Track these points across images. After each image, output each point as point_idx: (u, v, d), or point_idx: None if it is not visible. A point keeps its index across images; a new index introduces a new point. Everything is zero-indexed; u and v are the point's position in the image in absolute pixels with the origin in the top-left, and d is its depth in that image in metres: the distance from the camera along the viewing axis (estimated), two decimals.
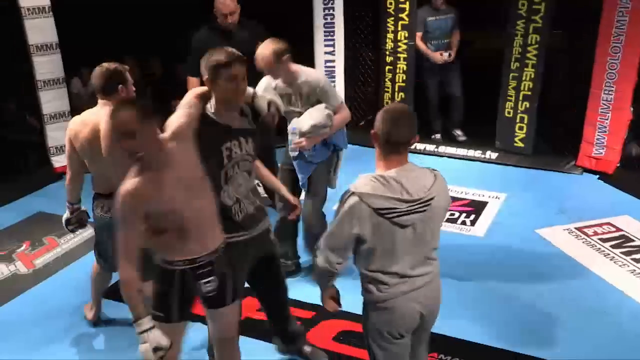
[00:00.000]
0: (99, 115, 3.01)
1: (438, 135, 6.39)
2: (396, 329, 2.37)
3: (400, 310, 2.34)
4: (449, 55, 5.97)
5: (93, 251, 3.49)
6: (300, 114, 3.62)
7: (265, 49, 3.45)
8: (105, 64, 3.16)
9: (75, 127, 3.10)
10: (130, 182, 2.24)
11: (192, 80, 4.42)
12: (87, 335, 3.55)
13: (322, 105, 3.57)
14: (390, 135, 2.25)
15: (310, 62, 5.92)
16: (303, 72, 3.62)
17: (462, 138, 6.33)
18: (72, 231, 3.54)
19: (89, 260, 4.05)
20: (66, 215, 3.40)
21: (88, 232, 4.53)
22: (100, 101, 3.10)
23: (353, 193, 2.23)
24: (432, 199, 2.26)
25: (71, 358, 3.36)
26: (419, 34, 6.05)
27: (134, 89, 3.19)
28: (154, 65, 7.76)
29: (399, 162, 2.28)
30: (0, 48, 5.59)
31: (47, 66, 5.51)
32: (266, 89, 3.53)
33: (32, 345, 3.44)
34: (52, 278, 4.14)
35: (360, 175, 2.29)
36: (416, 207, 2.24)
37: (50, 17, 5.31)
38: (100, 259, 3.42)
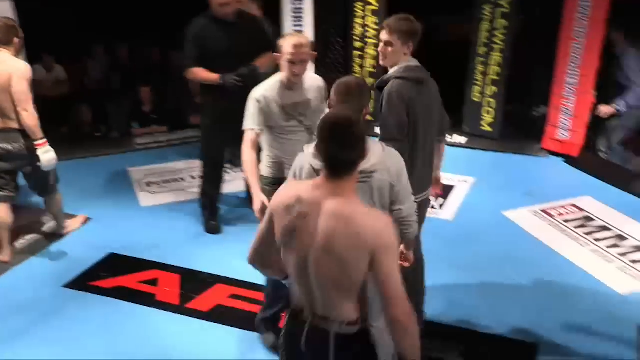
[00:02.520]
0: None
1: None
2: None
3: None
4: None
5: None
6: (308, 129, 3.08)
7: (304, 37, 2.99)
8: (2, 18, 3.82)
9: None
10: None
11: (197, 70, 4.04)
12: (47, 327, 3.51)
13: None
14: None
15: None
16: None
17: None
18: None
19: (47, 254, 4.06)
20: None
21: (47, 226, 4.48)
22: None
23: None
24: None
25: (34, 351, 3.28)
26: None
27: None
28: (122, 51, 7.64)
29: None
30: None
31: None
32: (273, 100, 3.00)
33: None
34: (11, 271, 4.02)
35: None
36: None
37: (6, 1, 5.03)
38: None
